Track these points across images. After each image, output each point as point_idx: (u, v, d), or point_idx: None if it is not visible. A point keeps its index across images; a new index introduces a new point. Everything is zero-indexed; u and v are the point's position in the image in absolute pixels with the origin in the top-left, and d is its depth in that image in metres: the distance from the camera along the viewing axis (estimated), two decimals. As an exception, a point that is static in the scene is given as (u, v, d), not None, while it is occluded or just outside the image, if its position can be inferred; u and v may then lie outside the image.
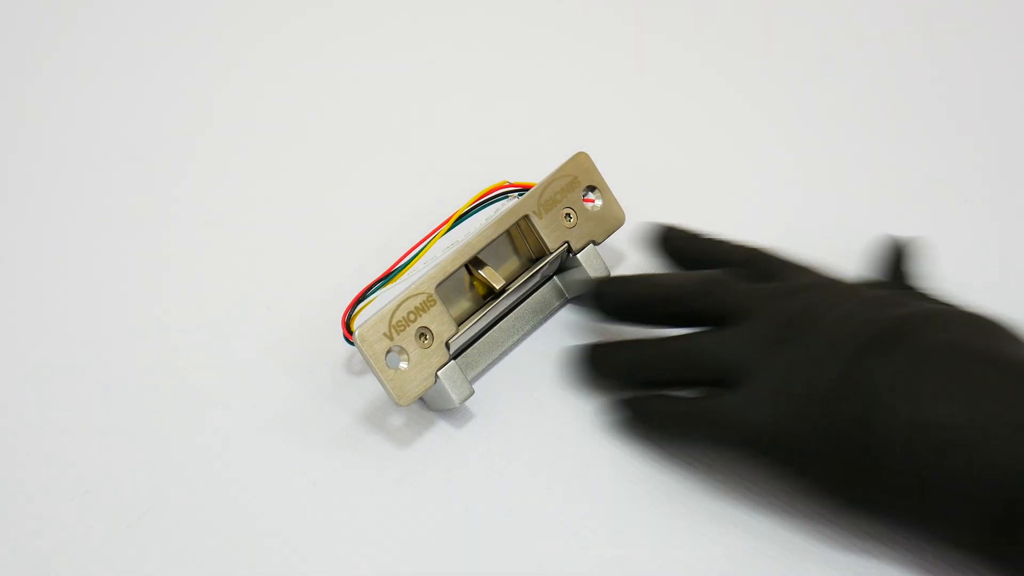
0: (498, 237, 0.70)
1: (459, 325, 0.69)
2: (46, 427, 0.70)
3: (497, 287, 0.70)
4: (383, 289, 0.70)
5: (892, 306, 0.64)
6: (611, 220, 0.73)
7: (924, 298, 0.67)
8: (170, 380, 0.71)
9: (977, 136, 0.80)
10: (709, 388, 0.65)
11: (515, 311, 0.72)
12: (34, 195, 0.79)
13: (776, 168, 0.80)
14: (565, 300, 0.73)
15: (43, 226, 0.77)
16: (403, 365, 0.67)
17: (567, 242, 0.71)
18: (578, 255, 0.72)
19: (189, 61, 0.85)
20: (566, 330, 0.72)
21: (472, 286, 0.71)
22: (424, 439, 0.69)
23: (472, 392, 0.68)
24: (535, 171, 0.74)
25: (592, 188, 0.73)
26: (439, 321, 0.68)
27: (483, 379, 0.71)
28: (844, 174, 0.79)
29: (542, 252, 0.72)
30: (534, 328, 0.72)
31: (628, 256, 0.75)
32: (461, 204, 0.72)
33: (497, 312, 0.71)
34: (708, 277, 0.68)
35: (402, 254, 0.70)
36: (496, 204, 0.72)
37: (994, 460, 0.59)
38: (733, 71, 0.84)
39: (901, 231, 0.76)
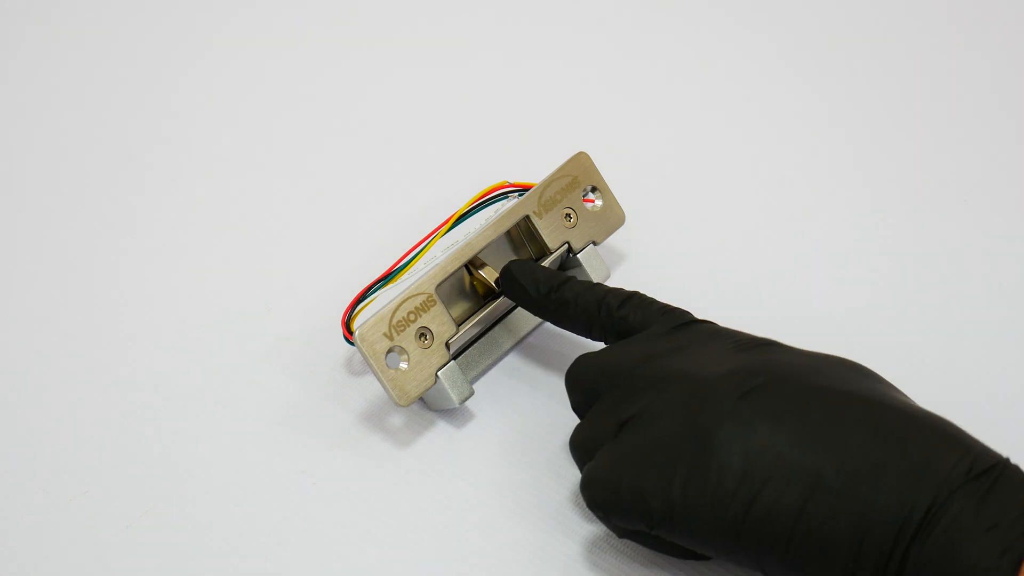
0: (498, 237, 0.70)
1: (459, 325, 0.69)
2: (46, 427, 0.70)
3: (497, 287, 0.70)
4: (383, 289, 0.70)
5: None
6: (611, 220, 0.73)
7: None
8: (170, 380, 0.71)
9: (977, 135, 0.80)
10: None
11: (515, 311, 0.72)
12: (35, 195, 0.79)
13: (776, 168, 0.80)
14: (565, 300, 0.73)
15: (43, 226, 0.77)
16: (403, 365, 0.67)
17: (567, 242, 0.71)
18: (578, 255, 0.72)
19: (190, 62, 0.85)
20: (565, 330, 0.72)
21: (472, 286, 0.71)
22: (424, 439, 0.69)
23: (472, 392, 0.68)
24: (535, 171, 0.74)
25: (592, 188, 0.73)
26: (439, 321, 0.68)
27: (483, 379, 0.71)
28: (843, 173, 0.79)
29: (542, 252, 0.72)
30: (534, 328, 0.72)
31: (628, 256, 0.75)
32: (461, 204, 0.72)
33: (497, 312, 0.71)
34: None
35: (402, 254, 0.70)
36: (496, 204, 0.72)
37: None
38: (734, 71, 0.84)
39: (900, 230, 0.76)
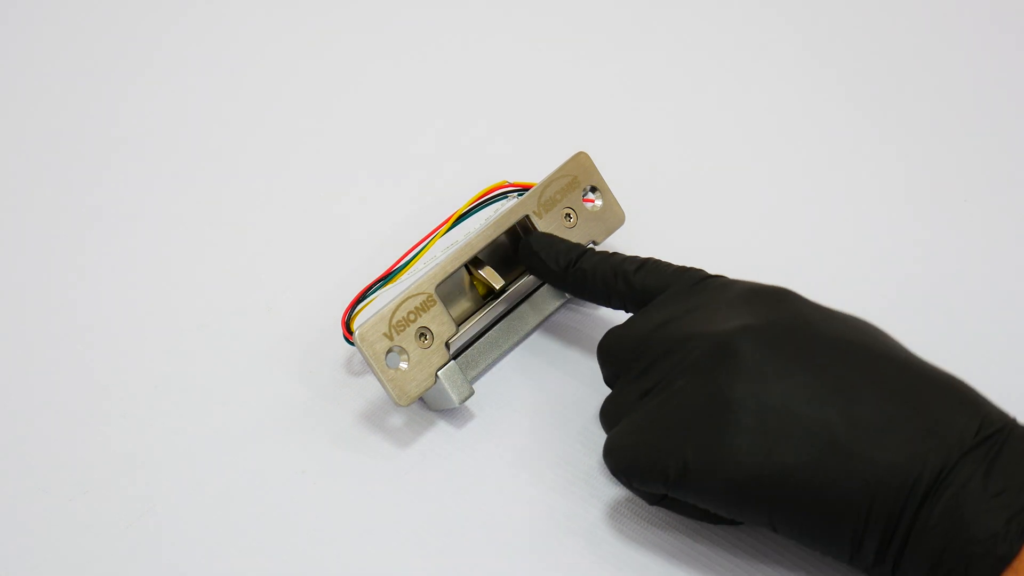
0: (498, 237, 0.70)
1: (459, 325, 0.69)
2: (46, 427, 0.70)
3: (497, 287, 0.70)
4: (383, 289, 0.70)
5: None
6: (611, 220, 0.73)
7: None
8: (170, 380, 0.71)
9: (977, 136, 0.80)
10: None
11: (515, 311, 0.72)
12: (34, 194, 0.79)
13: (776, 166, 0.80)
14: (565, 300, 0.73)
15: (42, 225, 0.77)
16: (403, 365, 0.67)
17: (567, 242, 0.72)
18: (578, 255, 0.72)
19: (190, 61, 0.85)
20: (566, 330, 0.72)
21: (472, 286, 0.71)
22: (424, 439, 0.69)
23: (472, 392, 0.68)
24: (535, 171, 0.74)
25: (592, 188, 0.73)
26: (439, 321, 0.68)
27: (483, 379, 0.71)
28: (845, 172, 0.79)
29: (542, 252, 0.72)
30: (534, 328, 0.72)
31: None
32: (461, 204, 0.72)
33: (497, 312, 0.71)
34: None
35: (402, 254, 0.70)
36: (496, 204, 0.72)
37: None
38: (733, 70, 0.84)
39: (901, 230, 0.76)
